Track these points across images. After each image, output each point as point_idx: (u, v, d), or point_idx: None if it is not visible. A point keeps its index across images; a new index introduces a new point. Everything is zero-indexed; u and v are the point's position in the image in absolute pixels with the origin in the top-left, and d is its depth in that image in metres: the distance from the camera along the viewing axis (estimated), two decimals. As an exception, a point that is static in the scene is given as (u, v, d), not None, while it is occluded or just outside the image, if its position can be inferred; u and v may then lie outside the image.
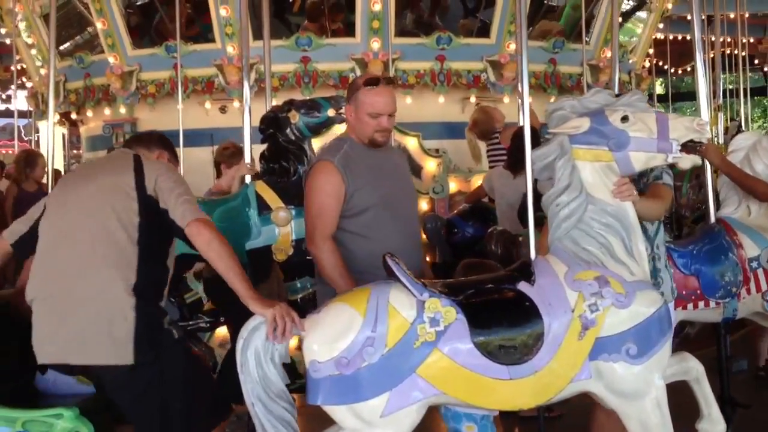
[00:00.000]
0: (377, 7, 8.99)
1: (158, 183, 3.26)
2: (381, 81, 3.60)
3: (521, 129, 6.10)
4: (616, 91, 5.24)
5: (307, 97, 6.11)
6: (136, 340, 3.04)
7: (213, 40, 9.49)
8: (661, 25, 13.17)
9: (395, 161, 3.78)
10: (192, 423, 3.19)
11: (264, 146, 5.25)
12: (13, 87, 16.00)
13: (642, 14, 12.59)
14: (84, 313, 3.07)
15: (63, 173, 8.42)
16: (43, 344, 3.16)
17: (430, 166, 8.48)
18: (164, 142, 3.76)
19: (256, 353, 2.99)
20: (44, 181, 7.43)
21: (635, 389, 3.06)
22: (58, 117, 10.70)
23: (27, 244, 3.35)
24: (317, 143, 5.86)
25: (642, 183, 3.62)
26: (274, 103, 5.87)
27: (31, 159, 8.22)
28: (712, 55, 12.37)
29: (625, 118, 3.17)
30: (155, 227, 3.20)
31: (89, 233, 3.18)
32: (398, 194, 3.62)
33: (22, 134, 16.09)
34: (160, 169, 3.35)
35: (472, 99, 9.57)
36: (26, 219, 3.44)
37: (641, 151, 3.17)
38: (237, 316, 5.32)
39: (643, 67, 12.59)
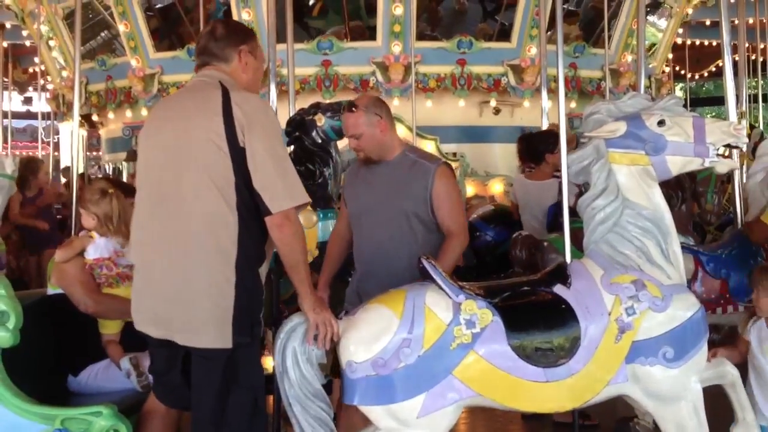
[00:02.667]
0: (398, 11, 9.02)
1: (250, 136, 2.83)
2: (343, 108, 3.92)
3: (532, 133, 6.22)
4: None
5: (329, 101, 6.14)
6: (235, 321, 2.83)
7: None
8: (680, 30, 13.14)
9: (389, 175, 3.74)
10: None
11: (290, 149, 5.28)
12: (31, 89, 16.16)
13: (653, 18, 12.57)
14: (184, 291, 2.84)
15: (83, 175, 8.49)
16: (145, 317, 2.96)
17: (447, 169, 8.51)
18: (244, 32, 3.16)
19: (294, 354, 3.00)
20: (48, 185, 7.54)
21: (672, 393, 3.07)
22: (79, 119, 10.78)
23: None
24: (342, 146, 5.89)
25: None
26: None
27: (32, 166, 8.27)
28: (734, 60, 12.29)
29: (661, 122, 3.18)
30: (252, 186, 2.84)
31: (180, 197, 2.86)
32: (373, 205, 3.70)
33: (41, 136, 16.17)
34: (253, 114, 2.86)
35: (492, 103, 9.59)
36: None
37: (678, 155, 3.17)
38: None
39: (663, 71, 12.58)
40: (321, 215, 5.11)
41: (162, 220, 2.91)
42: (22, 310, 3.20)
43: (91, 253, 3.84)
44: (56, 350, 3.71)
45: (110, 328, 3.79)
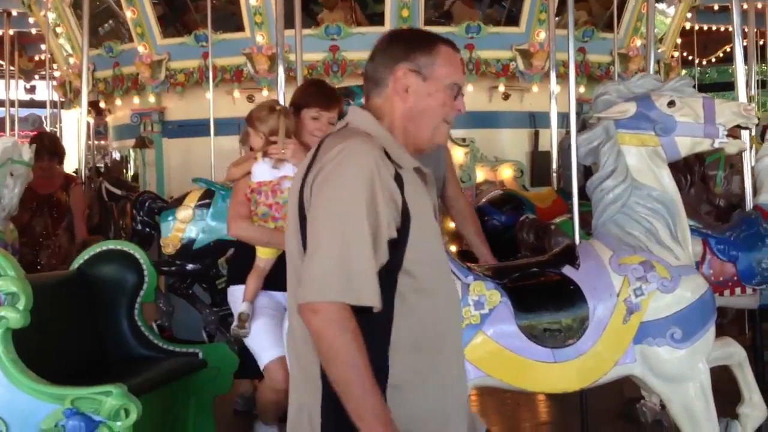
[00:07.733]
0: (407, -5, 8.98)
1: None
2: None
3: None
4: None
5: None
6: None
7: (242, 29, 9.51)
8: (688, 15, 13.05)
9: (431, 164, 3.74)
10: None
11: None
12: (37, 77, 16.15)
13: (662, 5, 12.48)
14: None
15: (83, 165, 8.32)
16: None
17: (458, 155, 8.50)
18: (414, 41, 2.11)
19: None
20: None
21: (679, 373, 3.07)
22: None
23: None
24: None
25: None
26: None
27: None
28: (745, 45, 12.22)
29: (671, 103, 3.17)
30: None
31: None
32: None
33: (45, 124, 16.16)
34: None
35: (501, 88, 9.55)
36: None
37: (688, 136, 3.17)
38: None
39: (672, 56, 12.50)
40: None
41: None
42: (38, 291, 3.22)
43: (257, 176, 3.59)
44: (80, 330, 3.72)
45: (266, 254, 3.58)
